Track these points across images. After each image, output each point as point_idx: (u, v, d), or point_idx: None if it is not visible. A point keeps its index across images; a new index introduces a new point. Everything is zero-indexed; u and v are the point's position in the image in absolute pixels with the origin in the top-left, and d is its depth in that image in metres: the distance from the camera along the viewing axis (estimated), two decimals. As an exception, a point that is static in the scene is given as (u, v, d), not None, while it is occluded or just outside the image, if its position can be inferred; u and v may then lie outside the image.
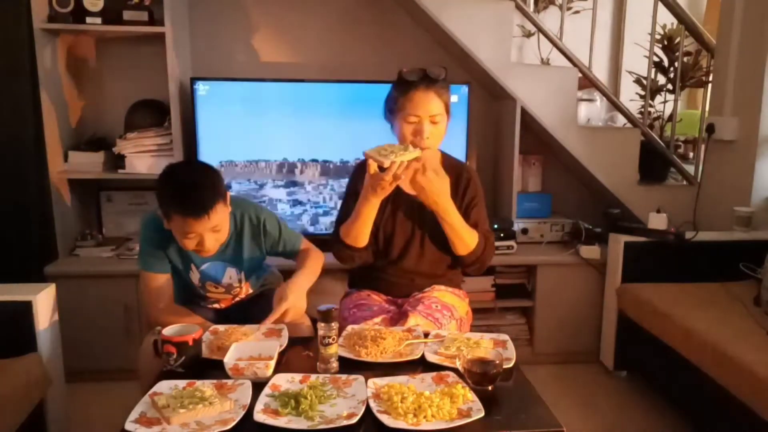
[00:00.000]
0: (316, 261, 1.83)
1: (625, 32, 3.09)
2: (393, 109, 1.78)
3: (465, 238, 1.77)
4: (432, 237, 1.84)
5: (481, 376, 1.30)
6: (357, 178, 1.86)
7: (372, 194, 1.66)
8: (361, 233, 1.76)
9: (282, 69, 2.96)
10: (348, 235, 1.78)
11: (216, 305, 1.90)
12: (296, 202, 2.77)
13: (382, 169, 1.60)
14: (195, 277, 1.79)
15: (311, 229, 2.76)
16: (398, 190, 1.82)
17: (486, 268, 1.91)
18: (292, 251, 1.87)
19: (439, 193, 1.68)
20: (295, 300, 1.64)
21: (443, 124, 1.77)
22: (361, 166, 1.87)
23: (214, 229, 1.60)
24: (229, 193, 1.68)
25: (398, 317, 1.77)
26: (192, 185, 1.57)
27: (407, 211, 1.83)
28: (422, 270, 1.88)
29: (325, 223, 2.77)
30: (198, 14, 2.89)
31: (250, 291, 1.92)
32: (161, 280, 1.73)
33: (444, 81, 1.77)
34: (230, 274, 1.81)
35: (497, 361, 1.32)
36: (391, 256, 1.86)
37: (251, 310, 1.82)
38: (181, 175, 1.61)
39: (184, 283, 1.81)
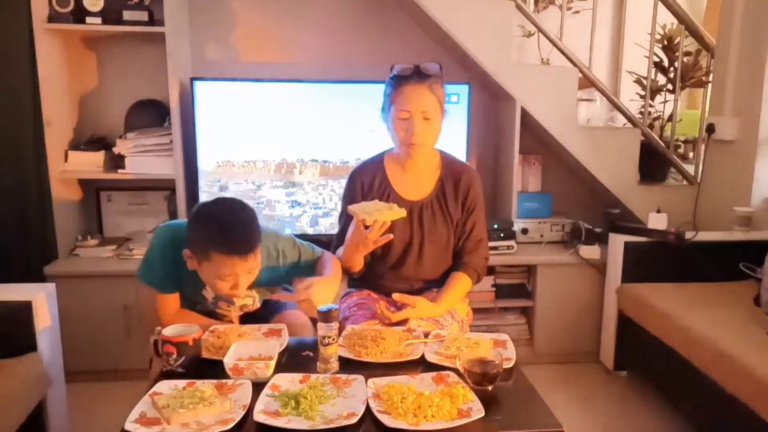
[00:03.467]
0: (337, 264, 1.75)
1: (625, 32, 3.09)
2: (385, 107, 1.77)
3: (465, 292, 1.85)
4: (430, 243, 1.83)
5: (481, 376, 1.30)
6: (351, 188, 1.86)
7: (355, 251, 1.67)
8: (354, 265, 1.78)
9: (282, 69, 2.96)
10: (344, 263, 1.79)
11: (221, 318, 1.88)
12: (295, 203, 2.77)
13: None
14: (209, 294, 1.76)
15: (310, 231, 2.76)
16: (396, 196, 1.82)
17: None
18: (311, 267, 1.78)
19: (428, 314, 1.73)
20: (320, 288, 1.56)
21: (437, 122, 1.74)
22: (355, 177, 1.87)
23: (250, 271, 1.56)
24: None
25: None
26: (238, 223, 1.51)
27: (407, 215, 1.81)
28: (421, 276, 1.86)
29: (325, 225, 2.76)
30: (198, 14, 2.89)
31: (258, 306, 1.90)
32: (172, 300, 1.71)
33: (437, 77, 1.73)
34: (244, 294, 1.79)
35: (497, 361, 1.32)
36: (389, 263, 1.84)
37: (256, 316, 1.81)
38: (223, 213, 1.54)
39: (192, 299, 1.77)
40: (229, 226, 1.51)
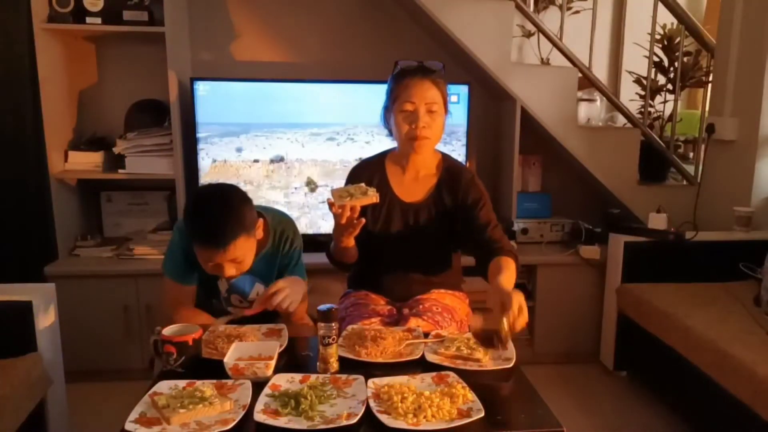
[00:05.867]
0: (299, 283, 1.74)
1: (625, 32, 3.09)
2: (388, 105, 1.75)
3: (515, 271, 1.68)
4: (428, 242, 1.82)
5: (488, 340, 1.36)
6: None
7: (338, 236, 1.67)
8: (346, 255, 1.77)
9: (282, 69, 2.96)
10: (336, 255, 1.79)
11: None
12: (294, 204, 2.76)
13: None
14: (223, 287, 1.77)
15: (310, 232, 2.76)
16: (392, 197, 1.82)
17: None
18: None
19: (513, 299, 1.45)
20: (287, 284, 1.60)
21: (441, 117, 1.73)
22: (353, 175, 1.86)
23: (233, 261, 1.57)
24: (260, 222, 1.63)
25: (397, 319, 1.76)
26: (213, 218, 1.52)
27: (402, 216, 1.81)
28: (419, 275, 1.85)
29: (324, 226, 2.76)
30: (198, 14, 2.89)
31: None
32: (188, 291, 1.72)
33: (440, 75, 1.74)
34: (258, 290, 1.79)
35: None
36: (388, 263, 1.84)
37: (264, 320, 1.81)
38: (204, 205, 1.57)
39: (208, 292, 1.79)
40: (203, 219, 1.54)
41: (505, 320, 1.38)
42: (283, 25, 2.95)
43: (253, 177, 2.73)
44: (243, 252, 1.57)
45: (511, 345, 1.52)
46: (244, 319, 1.65)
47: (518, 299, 1.41)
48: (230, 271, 1.58)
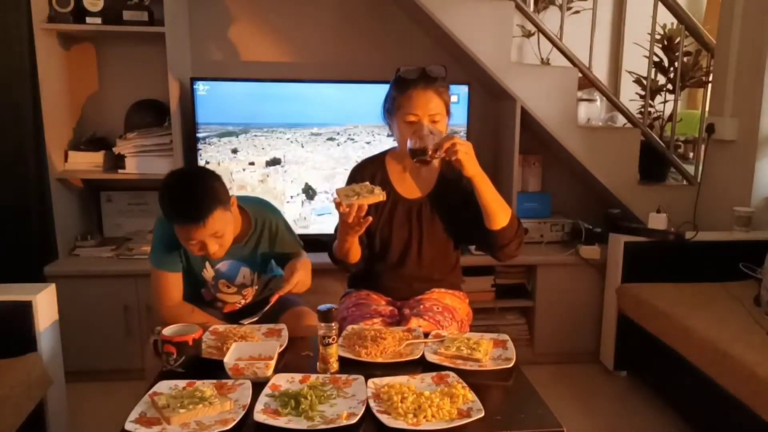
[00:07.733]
0: (308, 264, 1.81)
1: (625, 32, 3.09)
2: (391, 110, 1.75)
3: (503, 206, 1.73)
4: (430, 242, 1.82)
5: (413, 151, 1.56)
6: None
7: (344, 235, 1.67)
8: (349, 254, 1.76)
9: (282, 69, 2.96)
10: (339, 253, 1.79)
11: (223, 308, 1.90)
12: (289, 216, 2.74)
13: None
14: (209, 275, 1.79)
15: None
16: (396, 195, 1.82)
17: (519, 251, 1.82)
18: (290, 253, 1.84)
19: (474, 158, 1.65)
20: (303, 275, 1.68)
21: (443, 125, 1.73)
22: (355, 174, 1.86)
23: (215, 235, 1.59)
24: (234, 199, 1.67)
25: (398, 319, 1.76)
26: (186, 193, 1.56)
27: (404, 216, 1.81)
28: (421, 275, 1.86)
29: (326, 227, 2.75)
30: (198, 14, 2.89)
31: (257, 290, 1.90)
32: (172, 278, 1.74)
33: (443, 80, 1.73)
34: (244, 274, 1.81)
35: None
36: (389, 262, 1.84)
37: (255, 312, 1.82)
38: (176, 184, 1.61)
39: (195, 283, 1.81)
40: (178, 196, 1.57)
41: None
42: (283, 24, 2.95)
43: (247, 181, 2.72)
44: (222, 225, 1.59)
45: (511, 345, 1.52)
46: (266, 316, 1.68)
47: (459, 140, 1.64)
48: (213, 247, 1.60)
